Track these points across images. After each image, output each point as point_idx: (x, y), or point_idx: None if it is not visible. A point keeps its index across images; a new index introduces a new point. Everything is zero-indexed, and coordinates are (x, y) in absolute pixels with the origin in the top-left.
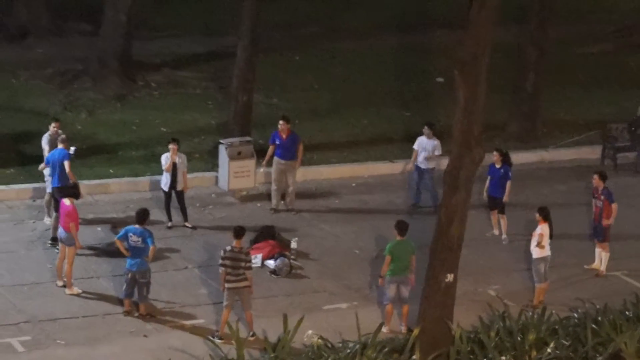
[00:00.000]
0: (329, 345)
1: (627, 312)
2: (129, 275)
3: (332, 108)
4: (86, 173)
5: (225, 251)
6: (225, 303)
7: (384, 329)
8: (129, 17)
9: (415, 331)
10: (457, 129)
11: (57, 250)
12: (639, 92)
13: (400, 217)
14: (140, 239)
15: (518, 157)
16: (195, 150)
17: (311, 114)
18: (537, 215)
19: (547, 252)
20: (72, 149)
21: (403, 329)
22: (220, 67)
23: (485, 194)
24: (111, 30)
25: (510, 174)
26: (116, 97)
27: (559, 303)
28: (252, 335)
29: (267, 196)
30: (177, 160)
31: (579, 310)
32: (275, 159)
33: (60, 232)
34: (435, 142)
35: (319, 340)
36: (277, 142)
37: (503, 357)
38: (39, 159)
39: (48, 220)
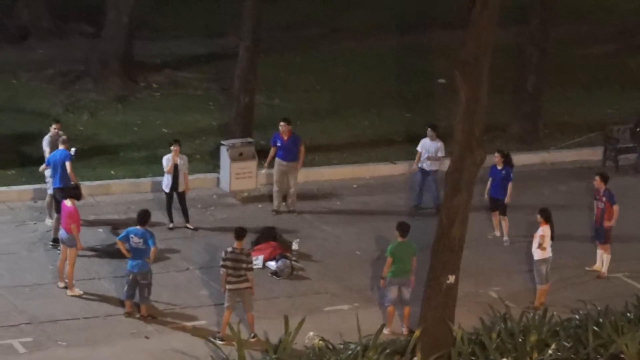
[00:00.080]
0: (330, 346)
1: (628, 314)
2: (130, 277)
3: (333, 109)
4: (87, 174)
5: (226, 252)
6: (226, 304)
7: (385, 331)
8: (130, 18)
9: (417, 332)
10: (458, 130)
11: (58, 252)
12: None
13: (401, 218)
14: (141, 240)
15: (519, 159)
16: (196, 152)
17: (312, 115)
18: (539, 216)
19: (548, 253)
20: (73, 150)
21: (404, 330)
22: (221, 68)
23: (486, 196)
24: (112, 31)
25: (511, 175)
26: (117, 98)
27: (560, 305)
28: (254, 337)
29: (269, 197)
30: (178, 161)
31: (581, 312)
32: (277, 160)
33: (62, 233)
34: (439, 144)
35: (320, 342)
36: (278, 144)
37: (504, 359)
38: (40, 160)
39: (49, 222)
